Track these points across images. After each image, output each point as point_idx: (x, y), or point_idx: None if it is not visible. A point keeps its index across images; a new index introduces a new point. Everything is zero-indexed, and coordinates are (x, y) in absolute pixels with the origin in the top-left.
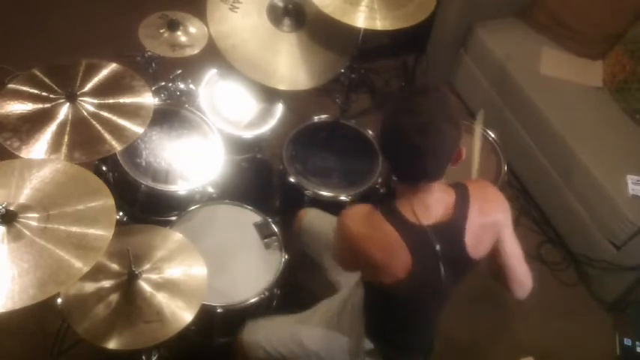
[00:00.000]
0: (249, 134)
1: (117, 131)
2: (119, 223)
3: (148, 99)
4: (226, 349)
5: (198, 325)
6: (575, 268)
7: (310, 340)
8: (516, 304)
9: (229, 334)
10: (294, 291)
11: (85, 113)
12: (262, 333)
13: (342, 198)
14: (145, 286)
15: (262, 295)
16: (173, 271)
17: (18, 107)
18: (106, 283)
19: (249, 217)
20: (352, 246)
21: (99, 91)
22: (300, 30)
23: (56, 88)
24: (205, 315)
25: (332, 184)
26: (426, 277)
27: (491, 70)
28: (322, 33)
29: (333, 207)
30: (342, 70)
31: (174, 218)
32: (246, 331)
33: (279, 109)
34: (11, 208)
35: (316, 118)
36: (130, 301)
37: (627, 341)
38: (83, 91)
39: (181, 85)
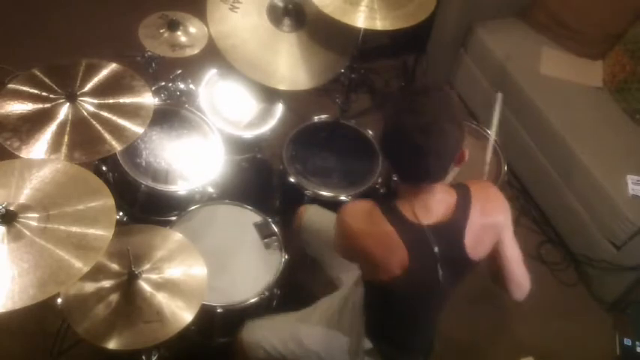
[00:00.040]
0: (249, 134)
1: (117, 131)
2: (119, 223)
3: (148, 99)
4: (226, 349)
5: (198, 325)
6: (575, 268)
7: (310, 340)
8: (516, 305)
9: (229, 334)
10: (294, 291)
11: (85, 113)
12: (262, 333)
13: (342, 198)
14: (145, 286)
15: (262, 295)
16: (173, 271)
17: (18, 107)
18: (106, 283)
19: (249, 217)
20: (351, 241)
21: (99, 91)
22: (300, 30)
23: (56, 88)
24: (205, 315)
25: (332, 184)
26: (423, 275)
27: (491, 70)
28: (322, 33)
29: (333, 207)
30: (342, 70)
31: (174, 218)
32: (245, 330)
33: (279, 109)
34: (11, 208)
35: (316, 118)
36: (130, 301)
37: (627, 341)
38: (83, 91)
39: (181, 85)
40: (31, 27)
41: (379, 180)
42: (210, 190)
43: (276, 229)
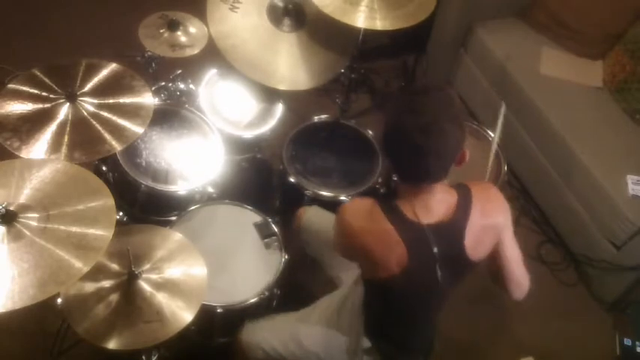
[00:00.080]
0: (249, 134)
1: (117, 131)
2: (119, 223)
3: (148, 99)
4: (226, 349)
5: (198, 325)
6: (575, 268)
7: (309, 341)
8: (516, 305)
9: (229, 334)
10: (294, 291)
11: (85, 113)
12: (261, 334)
13: (342, 198)
14: (145, 286)
15: (262, 295)
16: (173, 271)
17: (18, 107)
18: (106, 283)
19: (249, 217)
20: (350, 239)
21: (99, 91)
22: (300, 30)
23: (56, 88)
24: (205, 315)
25: (332, 184)
26: (422, 274)
27: (491, 70)
28: (322, 33)
29: (332, 207)
30: (342, 70)
31: (174, 218)
32: (245, 331)
33: (279, 109)
34: (11, 208)
35: (316, 118)
36: (130, 301)
37: (627, 341)
38: (83, 91)
39: (181, 85)
40: (31, 27)
41: (379, 180)
42: (210, 190)
43: (276, 229)
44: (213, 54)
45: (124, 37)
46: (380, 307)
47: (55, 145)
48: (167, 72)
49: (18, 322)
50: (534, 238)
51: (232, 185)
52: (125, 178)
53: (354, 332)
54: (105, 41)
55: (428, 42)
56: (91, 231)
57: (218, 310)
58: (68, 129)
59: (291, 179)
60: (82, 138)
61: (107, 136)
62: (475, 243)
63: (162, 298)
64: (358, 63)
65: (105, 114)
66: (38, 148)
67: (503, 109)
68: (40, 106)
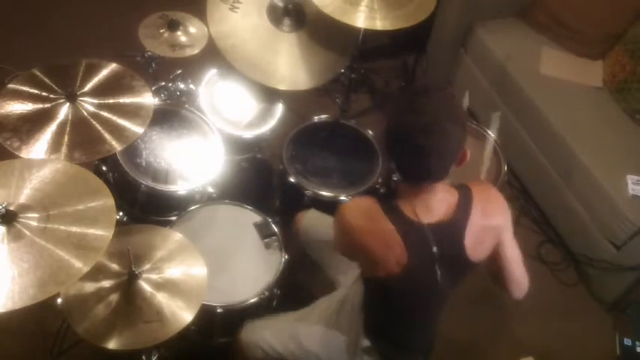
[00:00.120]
0: (249, 134)
1: (117, 131)
2: (119, 223)
3: (148, 99)
4: (226, 349)
5: (198, 325)
6: (575, 268)
7: (309, 340)
8: (516, 305)
9: (229, 334)
10: (294, 291)
11: (85, 113)
12: (261, 333)
13: (342, 198)
14: (145, 286)
15: (262, 295)
16: (173, 271)
17: (18, 107)
18: (106, 283)
19: (249, 217)
20: (350, 238)
21: (99, 91)
22: (300, 30)
23: (56, 88)
24: (205, 315)
25: (332, 184)
26: (422, 273)
27: (491, 70)
28: (322, 33)
29: (332, 207)
30: (342, 70)
31: (174, 218)
32: (245, 331)
33: (279, 109)
34: (11, 208)
35: (316, 118)
36: (130, 301)
37: (627, 341)
38: (83, 91)
39: (181, 85)
40: (31, 27)
41: (379, 180)
42: (210, 190)
43: (276, 229)
44: (213, 54)
45: (124, 37)
46: (380, 306)
47: (55, 145)
48: (167, 72)
49: (18, 322)
50: (534, 238)
51: (232, 185)
52: (125, 178)
53: (354, 332)
54: (105, 41)
55: (428, 42)
56: (91, 231)
57: (218, 310)
58: (68, 129)
59: (291, 179)
60: (82, 138)
61: (107, 136)
62: (475, 243)
63: (162, 298)
64: (358, 63)
65: (105, 114)
66: (38, 148)
67: (497, 117)
68: (40, 106)
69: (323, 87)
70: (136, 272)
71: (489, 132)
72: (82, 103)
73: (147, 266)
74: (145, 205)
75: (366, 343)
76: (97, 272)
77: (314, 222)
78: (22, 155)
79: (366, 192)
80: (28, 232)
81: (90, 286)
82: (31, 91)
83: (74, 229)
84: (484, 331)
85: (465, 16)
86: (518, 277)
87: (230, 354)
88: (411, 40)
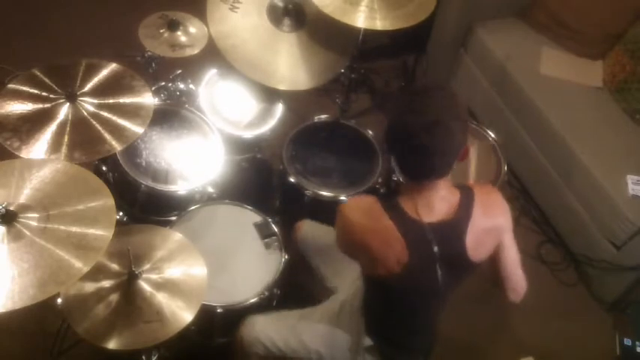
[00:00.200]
0: (249, 134)
1: (117, 131)
2: (119, 223)
3: (148, 99)
4: (226, 349)
5: (198, 325)
6: (575, 268)
7: (311, 338)
8: (516, 305)
9: (229, 334)
10: (294, 291)
11: (85, 113)
12: (262, 329)
13: (342, 198)
14: (145, 286)
15: (262, 296)
16: (173, 271)
17: (18, 107)
18: (106, 283)
19: (249, 217)
20: (351, 236)
21: (99, 91)
22: (300, 30)
23: (56, 88)
24: (205, 315)
25: (332, 184)
26: (422, 272)
27: (491, 70)
28: (322, 33)
29: (332, 207)
30: (342, 70)
31: (174, 218)
32: (245, 327)
33: (279, 109)
34: (11, 208)
35: (316, 118)
36: (130, 301)
37: (627, 341)
38: (83, 91)
39: (181, 85)
40: (31, 27)
41: (379, 180)
42: (210, 190)
43: (276, 229)
44: (213, 54)
45: (124, 37)
46: (380, 307)
47: (55, 145)
48: (167, 72)
49: (18, 322)
50: (534, 238)
51: (232, 185)
52: (125, 178)
53: (356, 331)
54: (105, 41)
55: (428, 42)
56: (91, 231)
57: (218, 310)
58: (68, 129)
59: (291, 179)
60: (82, 138)
61: (107, 136)
62: (476, 244)
63: (162, 298)
64: (358, 63)
65: (105, 114)
66: (38, 148)
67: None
68: (40, 106)
69: (323, 87)
70: (136, 272)
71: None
72: (82, 103)
73: (147, 266)
74: (145, 205)
75: (368, 342)
76: (97, 272)
77: (312, 232)
78: (22, 155)
79: (366, 192)
80: (28, 232)
81: (90, 286)
82: (31, 91)
83: (74, 229)
84: (484, 330)
85: (465, 16)
86: (516, 279)
87: (230, 352)
88: (411, 40)
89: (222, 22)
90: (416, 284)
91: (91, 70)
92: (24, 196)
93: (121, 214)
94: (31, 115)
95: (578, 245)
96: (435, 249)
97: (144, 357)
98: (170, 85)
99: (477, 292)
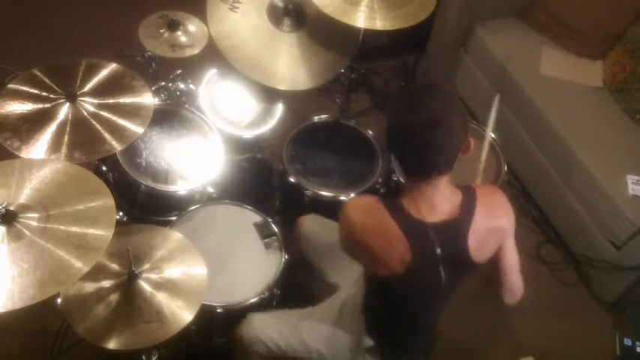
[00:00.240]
0: (249, 134)
1: (117, 131)
2: (119, 223)
3: (148, 99)
4: (226, 349)
5: (198, 325)
6: (575, 268)
7: (312, 337)
8: (516, 305)
9: (229, 334)
10: (294, 291)
11: (85, 113)
12: (263, 328)
13: (342, 198)
14: (144, 285)
15: (262, 295)
16: (173, 271)
17: (18, 107)
18: (106, 283)
19: (249, 217)
20: (353, 236)
21: (99, 91)
22: (300, 30)
23: (56, 88)
24: (205, 315)
25: (332, 184)
26: (425, 272)
27: (491, 70)
28: (322, 33)
29: (333, 207)
30: (342, 70)
31: (174, 218)
32: (245, 326)
33: (279, 109)
34: (11, 208)
35: (316, 118)
36: (130, 301)
37: (627, 341)
38: (83, 91)
39: (181, 85)
40: (31, 27)
41: (379, 180)
42: (210, 190)
43: (276, 229)
44: (213, 54)
45: (124, 37)
46: (381, 306)
47: (55, 145)
48: (167, 72)
49: (18, 322)
50: (534, 238)
51: (232, 185)
52: (125, 178)
53: (356, 331)
54: (105, 41)
55: (428, 42)
56: (91, 231)
57: (218, 310)
58: (68, 129)
59: (291, 179)
60: (82, 138)
61: (107, 136)
62: (479, 244)
63: (162, 298)
64: (358, 63)
65: (105, 114)
66: (38, 148)
67: (497, 101)
68: (40, 106)
69: (323, 87)
70: (136, 272)
71: (488, 121)
72: (82, 103)
73: (147, 266)
74: (145, 205)
75: (368, 342)
76: (97, 272)
77: (315, 227)
78: (22, 155)
79: (366, 192)
80: (28, 232)
81: (90, 286)
82: (31, 91)
83: (74, 229)
84: (484, 331)
85: (465, 16)
86: (514, 282)
87: (230, 351)
88: (411, 40)
89: (222, 22)
90: (418, 284)
91: (91, 70)
92: (24, 196)
93: (121, 214)
94: (31, 115)
95: (578, 245)
96: (438, 251)
97: (144, 357)
98: (170, 85)
99: (476, 292)
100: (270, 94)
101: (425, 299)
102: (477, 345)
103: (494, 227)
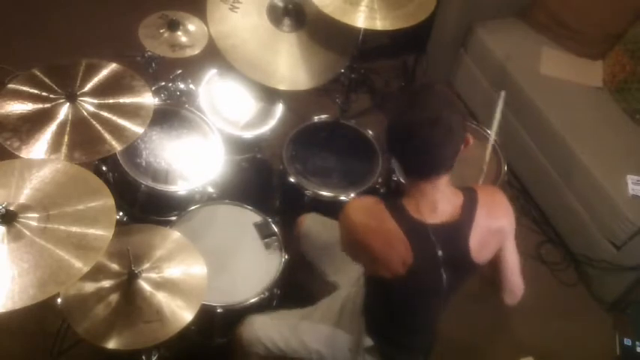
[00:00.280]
0: (249, 134)
1: (117, 131)
2: (119, 223)
3: (148, 99)
4: (226, 349)
5: (198, 325)
6: (575, 268)
7: (311, 337)
8: (516, 305)
9: (229, 334)
10: (294, 291)
11: (85, 113)
12: (262, 329)
13: (342, 198)
14: (144, 285)
15: (262, 296)
16: (173, 271)
17: (18, 107)
18: (106, 283)
19: (249, 217)
20: (354, 236)
21: (99, 91)
22: (300, 30)
23: (56, 88)
24: (205, 315)
25: (332, 184)
26: (426, 275)
27: (491, 70)
28: (322, 33)
29: (333, 207)
30: (342, 70)
31: (174, 218)
32: (245, 326)
33: (279, 109)
34: (11, 208)
35: (316, 118)
36: (130, 300)
37: (627, 341)
38: (83, 91)
39: (181, 85)
40: (31, 27)
41: (379, 180)
42: (210, 190)
43: (276, 229)
44: (213, 54)
45: (124, 37)
46: (381, 307)
47: (55, 145)
48: (167, 72)
49: (18, 322)
50: (534, 238)
51: (232, 185)
52: (125, 178)
53: (356, 331)
54: (105, 41)
55: (428, 42)
56: (91, 231)
57: (218, 310)
58: (68, 129)
59: (291, 179)
60: (82, 138)
61: (107, 136)
62: (480, 245)
63: (162, 298)
64: (358, 63)
65: (105, 114)
66: (38, 148)
67: (502, 98)
68: (40, 106)
69: (323, 87)
70: (136, 272)
71: (494, 118)
72: (82, 103)
73: (146, 266)
74: (145, 205)
75: (368, 342)
76: (97, 272)
77: (315, 226)
78: (22, 155)
79: (366, 192)
80: (28, 232)
81: (90, 286)
82: (31, 91)
83: (74, 229)
84: (484, 330)
85: (465, 16)
86: (514, 283)
87: (230, 350)
88: (411, 40)
89: (222, 22)
90: (419, 285)
91: (91, 70)
92: (24, 196)
93: (121, 214)
94: (31, 115)
95: (578, 245)
96: (440, 253)
97: (144, 357)
98: (170, 85)
99: (477, 292)
100: (270, 94)
101: (425, 300)
102: (476, 344)
103: (495, 228)
